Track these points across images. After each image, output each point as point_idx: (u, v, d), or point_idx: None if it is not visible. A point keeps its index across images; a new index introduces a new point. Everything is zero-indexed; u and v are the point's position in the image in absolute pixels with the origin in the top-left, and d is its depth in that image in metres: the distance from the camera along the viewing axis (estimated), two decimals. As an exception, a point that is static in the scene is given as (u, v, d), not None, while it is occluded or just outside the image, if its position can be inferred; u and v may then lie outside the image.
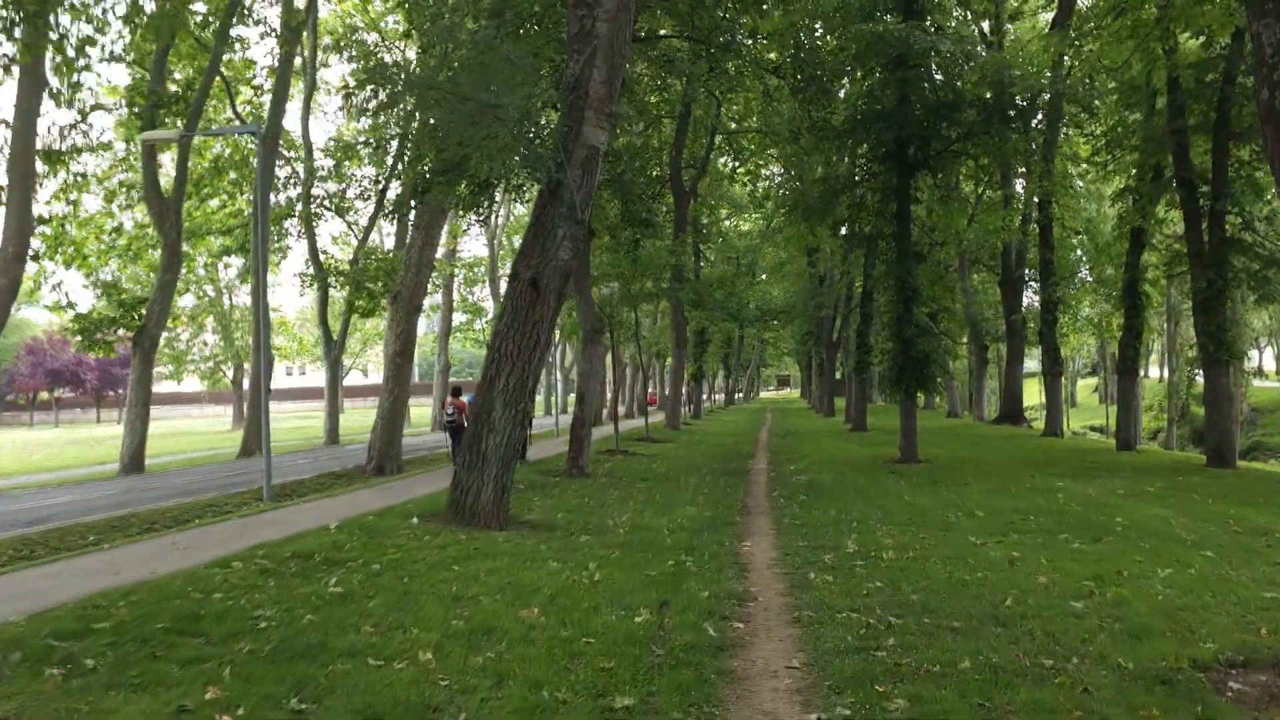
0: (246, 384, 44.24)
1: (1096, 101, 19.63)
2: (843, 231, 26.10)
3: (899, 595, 7.52)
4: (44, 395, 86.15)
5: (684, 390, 61.43)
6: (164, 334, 62.00)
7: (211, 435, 50.26)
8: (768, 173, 38.68)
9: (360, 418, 64.50)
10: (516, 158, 11.88)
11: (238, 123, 31.47)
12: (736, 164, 35.66)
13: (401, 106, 13.75)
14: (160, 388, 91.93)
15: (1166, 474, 17.86)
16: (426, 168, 16.38)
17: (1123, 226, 23.72)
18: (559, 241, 11.19)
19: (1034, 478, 16.98)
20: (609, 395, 34.46)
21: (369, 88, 12.79)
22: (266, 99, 34.22)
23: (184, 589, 7.48)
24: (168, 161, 31.68)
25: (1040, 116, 22.02)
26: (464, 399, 22.27)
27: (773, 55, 21.87)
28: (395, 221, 30.32)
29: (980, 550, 9.54)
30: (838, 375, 52.26)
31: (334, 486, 19.71)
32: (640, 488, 15.92)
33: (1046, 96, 19.83)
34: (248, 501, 17.40)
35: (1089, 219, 34.18)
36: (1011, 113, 18.44)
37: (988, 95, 18.42)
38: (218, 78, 30.48)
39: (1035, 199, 29.45)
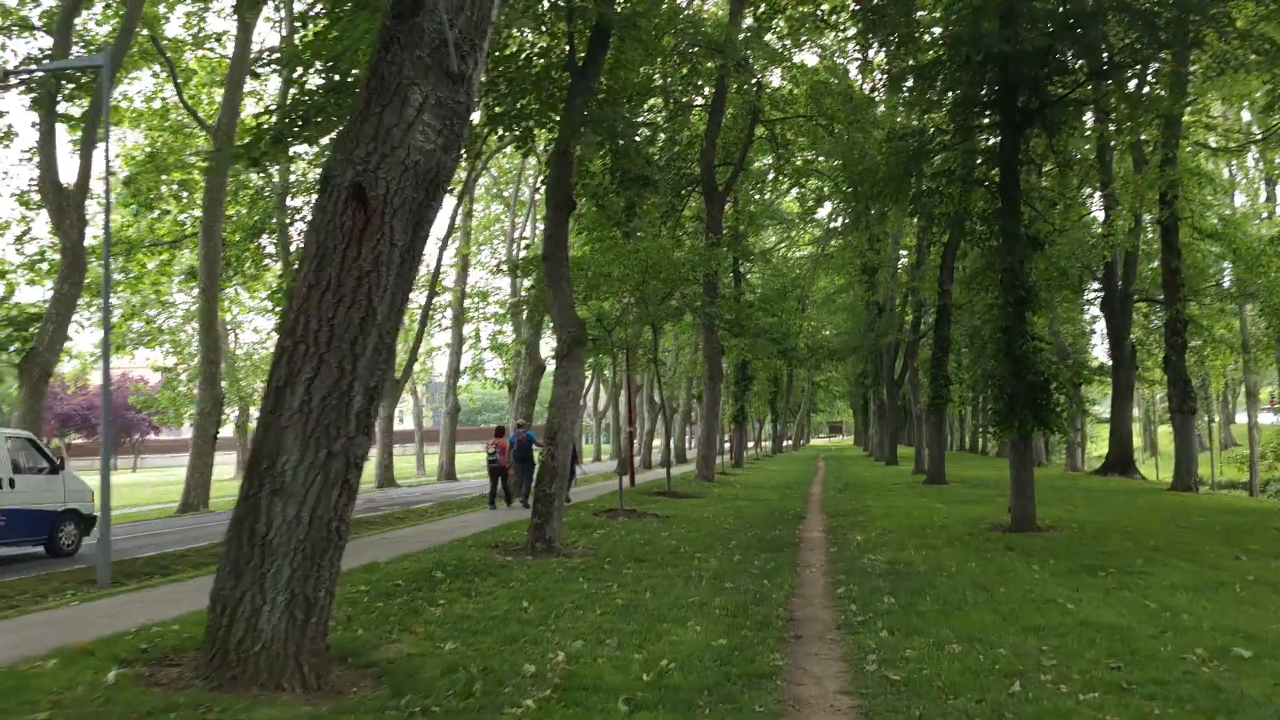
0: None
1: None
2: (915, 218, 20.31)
3: None
4: (55, 441, 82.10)
5: (727, 436, 55.50)
6: (160, 373, 57.70)
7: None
8: (815, 180, 33.11)
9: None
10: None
11: (192, 120, 26.52)
12: (780, 160, 29.93)
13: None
14: (169, 435, 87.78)
15: None
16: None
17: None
18: (413, 115, 5.63)
19: (1239, 560, 11.01)
20: (611, 434, 28.71)
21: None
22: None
23: None
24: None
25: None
26: (506, 439, 20.56)
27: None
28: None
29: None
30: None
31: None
32: (627, 576, 10.17)
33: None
34: (63, 588, 11.94)
35: (1223, 217, 27.86)
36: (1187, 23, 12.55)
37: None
38: (167, 68, 25.74)
39: (1155, 194, 23.46)
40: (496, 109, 14.20)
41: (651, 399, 47.46)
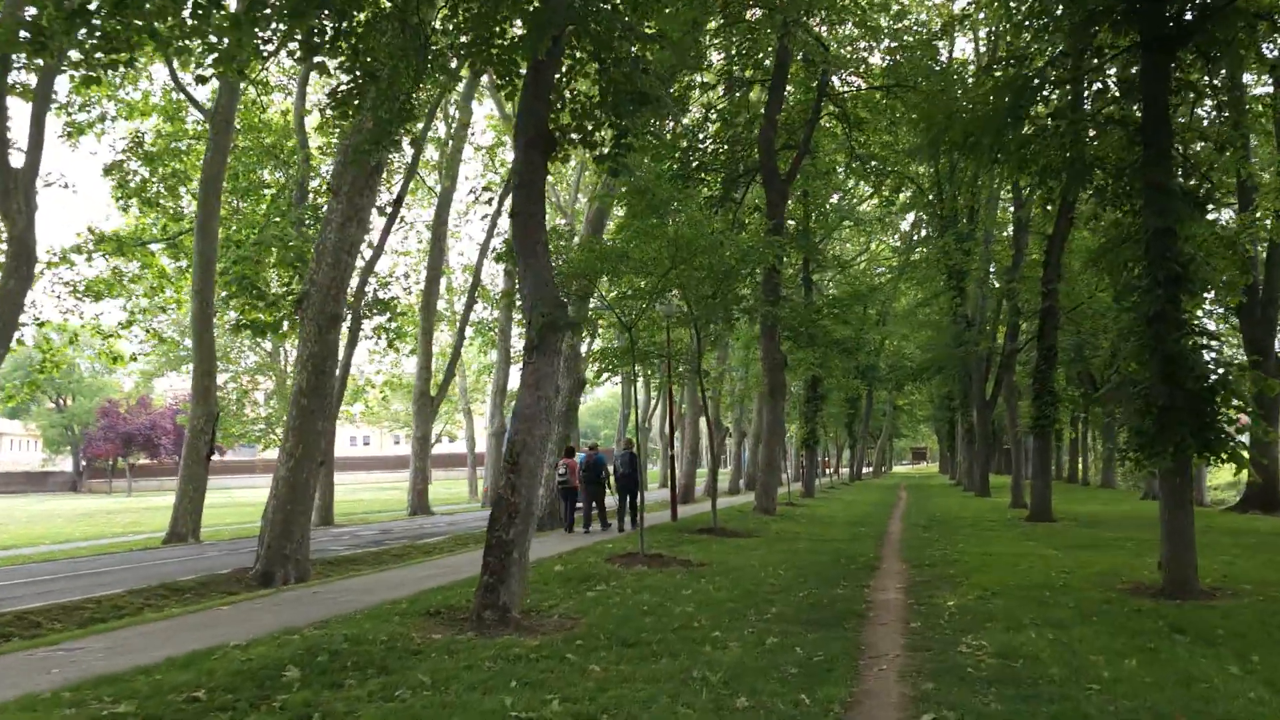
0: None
1: None
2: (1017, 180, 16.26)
3: None
4: (120, 463, 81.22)
5: (793, 460, 51.24)
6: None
7: (221, 509, 42.44)
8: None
9: (440, 490, 56.11)
10: None
11: (183, 99, 23.84)
12: (853, 144, 26.04)
13: None
14: (243, 454, 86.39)
15: None
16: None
17: None
18: None
19: None
20: (673, 462, 25.03)
21: None
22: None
23: None
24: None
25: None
26: (576, 459, 20.01)
27: None
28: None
29: None
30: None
31: (95, 622, 10.91)
32: (592, 678, 6.58)
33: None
34: None
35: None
36: None
37: None
38: (153, 42, 23.04)
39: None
40: (464, 35, 10.77)
41: (718, 420, 43.64)
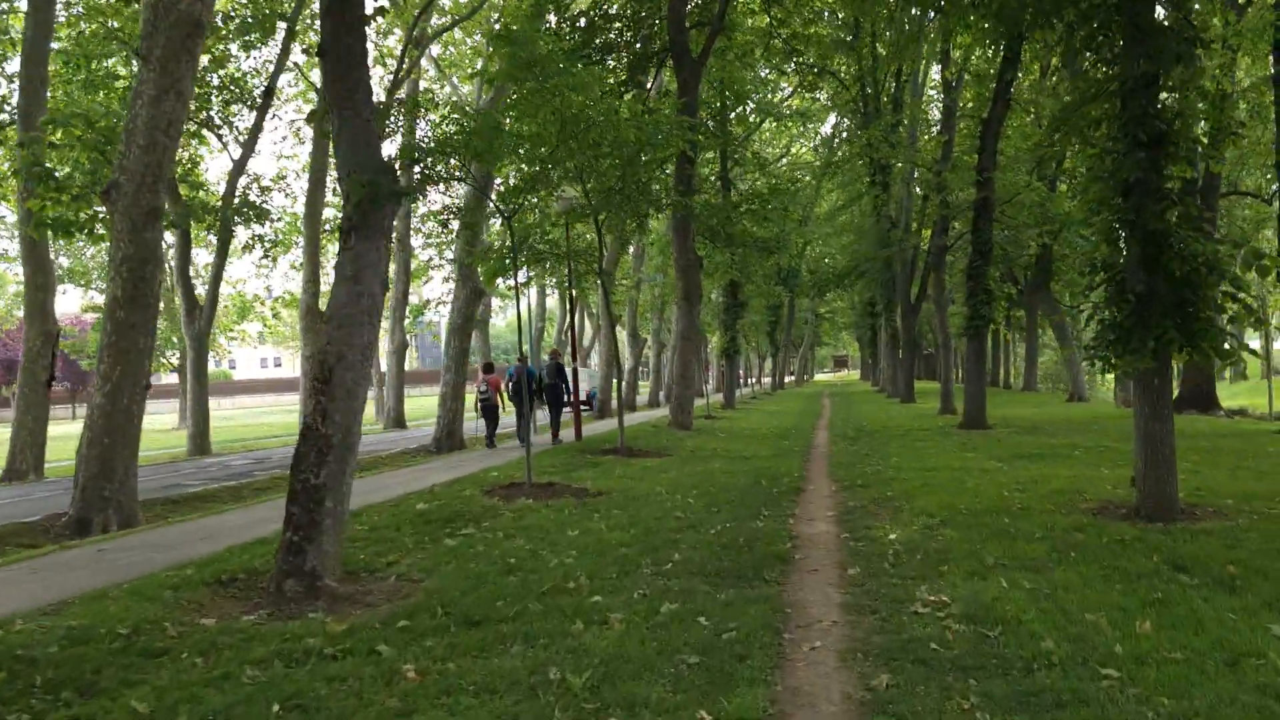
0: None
1: None
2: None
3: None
4: (5, 390, 76.25)
5: (714, 371, 49.65)
6: (91, 314, 51.77)
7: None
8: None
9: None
10: None
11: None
12: (773, 22, 23.67)
13: None
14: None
15: None
16: None
17: None
18: None
19: None
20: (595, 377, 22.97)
21: None
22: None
23: None
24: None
25: None
26: (500, 376, 19.94)
27: None
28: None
29: None
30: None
31: None
32: (403, 684, 4.49)
33: None
34: None
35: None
36: None
37: None
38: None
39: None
40: None
41: (634, 330, 41.51)
